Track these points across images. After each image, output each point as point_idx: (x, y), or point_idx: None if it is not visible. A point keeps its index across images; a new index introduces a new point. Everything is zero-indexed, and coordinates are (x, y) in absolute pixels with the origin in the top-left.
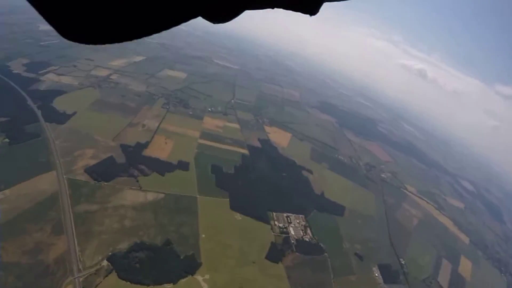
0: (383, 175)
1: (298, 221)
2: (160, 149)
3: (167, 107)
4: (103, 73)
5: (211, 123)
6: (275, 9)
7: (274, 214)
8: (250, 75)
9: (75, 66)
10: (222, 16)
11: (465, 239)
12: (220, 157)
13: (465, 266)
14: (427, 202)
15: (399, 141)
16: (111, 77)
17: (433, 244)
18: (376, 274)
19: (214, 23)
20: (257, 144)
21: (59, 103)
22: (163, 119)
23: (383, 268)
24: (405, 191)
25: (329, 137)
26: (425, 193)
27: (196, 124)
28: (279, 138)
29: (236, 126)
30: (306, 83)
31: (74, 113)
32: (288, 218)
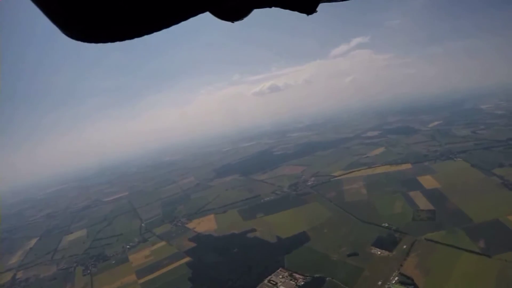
0: (309, 183)
1: (281, 276)
2: None
3: (88, 271)
4: (7, 277)
5: (138, 258)
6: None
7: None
8: (142, 192)
9: None
10: (230, 13)
11: (407, 166)
12: (169, 281)
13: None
14: (358, 170)
15: (296, 150)
16: (17, 276)
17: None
18: (376, 251)
19: (223, 19)
20: (192, 244)
21: None
22: (92, 286)
23: (378, 242)
24: (335, 178)
25: (244, 191)
26: (349, 166)
27: (126, 269)
28: (206, 225)
29: (162, 243)
30: (192, 164)
31: None
32: (271, 281)
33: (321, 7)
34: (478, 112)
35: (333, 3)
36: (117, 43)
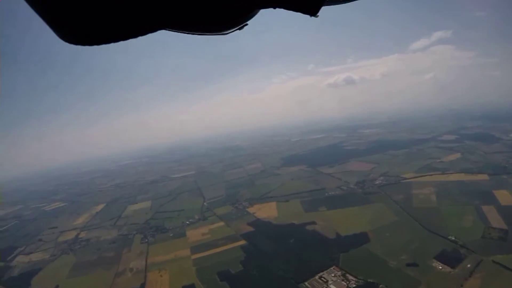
0: (377, 182)
1: (333, 274)
2: (159, 285)
3: (146, 240)
4: (71, 235)
5: (195, 234)
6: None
7: (307, 283)
8: (209, 173)
9: (40, 240)
10: (227, 19)
11: (484, 177)
12: (222, 261)
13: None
14: (430, 175)
15: (368, 147)
16: (80, 236)
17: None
18: (438, 265)
19: (217, 32)
20: (249, 229)
21: (37, 283)
22: (147, 254)
23: (441, 256)
24: (405, 180)
25: (309, 183)
26: (422, 169)
27: (182, 243)
28: (266, 211)
29: (221, 224)
30: (260, 151)
31: (57, 286)
32: (323, 278)
33: None
34: None
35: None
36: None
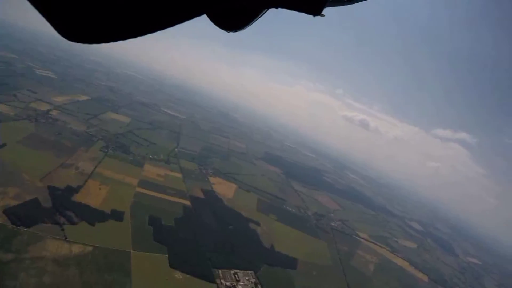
0: (333, 224)
1: (247, 278)
2: (93, 196)
3: (106, 150)
4: (43, 107)
5: (151, 171)
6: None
7: (220, 271)
8: (197, 125)
9: (15, 95)
10: (231, 19)
11: (423, 277)
12: (159, 208)
13: None
14: (380, 246)
15: (345, 189)
16: (51, 112)
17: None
18: None
19: (224, 29)
20: (200, 195)
21: None
22: (99, 162)
23: None
24: (357, 237)
25: (275, 187)
26: (377, 237)
27: (135, 171)
28: (224, 189)
29: (179, 175)
30: (252, 136)
31: (4, 145)
32: (236, 276)
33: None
34: None
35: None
36: None
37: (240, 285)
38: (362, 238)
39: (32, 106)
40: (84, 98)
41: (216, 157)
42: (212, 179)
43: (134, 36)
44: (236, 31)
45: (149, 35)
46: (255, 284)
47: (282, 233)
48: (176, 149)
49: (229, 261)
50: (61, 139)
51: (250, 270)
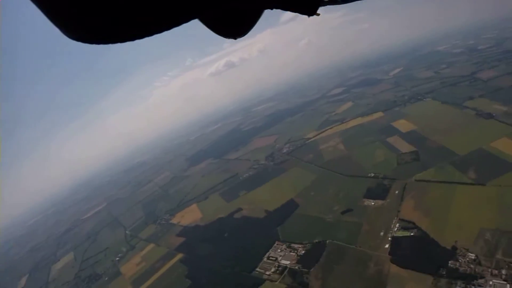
0: (284, 151)
1: (279, 250)
2: None
3: None
4: None
5: (130, 268)
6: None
7: (258, 268)
8: (120, 199)
9: None
10: (237, 20)
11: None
12: (167, 284)
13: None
14: (331, 128)
15: (266, 121)
16: None
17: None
18: (370, 202)
19: (225, 36)
20: (181, 240)
21: None
22: None
23: (369, 193)
24: (309, 140)
25: (220, 174)
26: (323, 124)
27: (121, 282)
28: (190, 216)
29: (151, 246)
30: (164, 160)
31: None
32: (271, 257)
33: None
34: (436, 54)
35: None
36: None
37: (281, 260)
38: (314, 137)
39: None
40: (24, 280)
41: (159, 202)
42: (174, 220)
43: (141, 36)
44: (236, 38)
45: None
46: (288, 246)
47: (261, 196)
48: (127, 232)
49: (253, 255)
50: None
51: (274, 243)
